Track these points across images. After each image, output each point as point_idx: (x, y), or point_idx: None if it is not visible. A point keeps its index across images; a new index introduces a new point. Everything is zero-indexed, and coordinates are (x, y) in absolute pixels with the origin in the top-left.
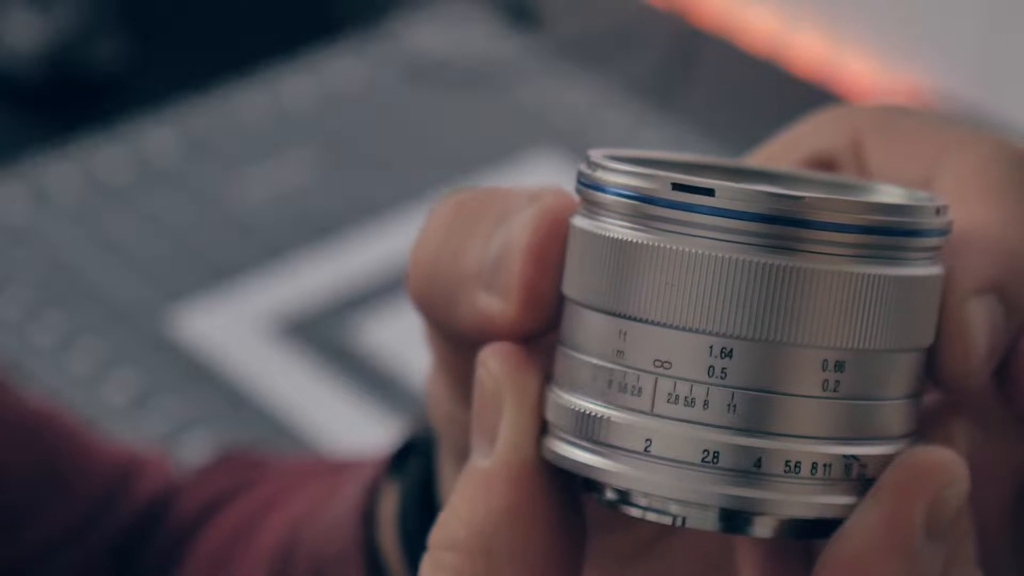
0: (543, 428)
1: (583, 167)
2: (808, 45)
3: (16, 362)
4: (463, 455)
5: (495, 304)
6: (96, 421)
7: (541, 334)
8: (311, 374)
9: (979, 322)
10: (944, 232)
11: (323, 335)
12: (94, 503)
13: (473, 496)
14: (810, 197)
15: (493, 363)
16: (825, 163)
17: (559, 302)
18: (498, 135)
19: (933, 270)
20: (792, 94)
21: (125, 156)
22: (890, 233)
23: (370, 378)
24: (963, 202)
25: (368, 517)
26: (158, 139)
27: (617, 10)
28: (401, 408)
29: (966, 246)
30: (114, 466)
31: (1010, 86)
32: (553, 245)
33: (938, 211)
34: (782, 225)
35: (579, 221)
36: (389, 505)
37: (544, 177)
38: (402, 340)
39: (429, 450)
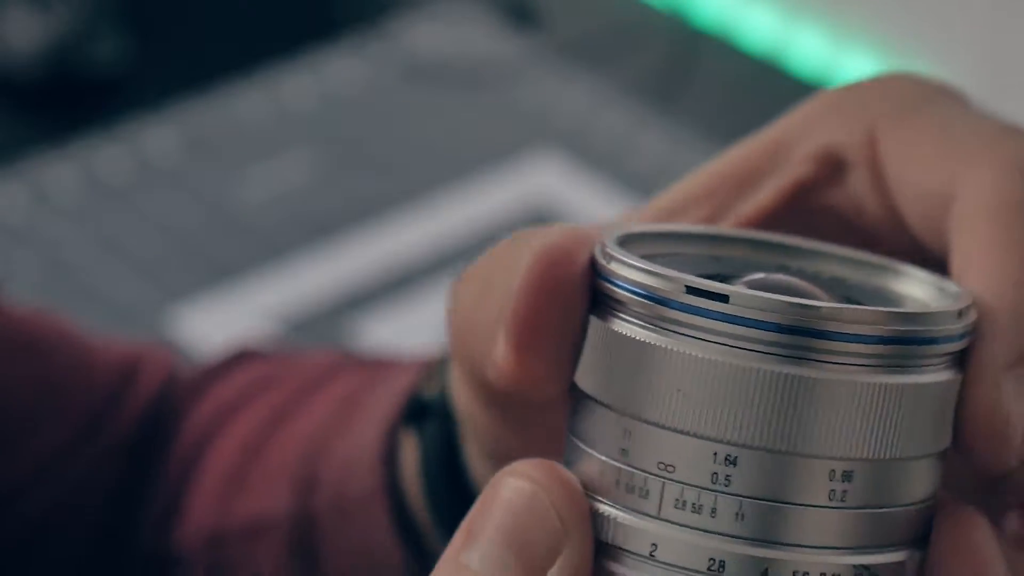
0: None
1: (598, 255)
2: (808, 45)
3: None
4: (483, 442)
5: (500, 350)
6: None
7: (551, 388)
8: None
9: (1013, 406)
10: (964, 335)
11: (323, 335)
12: (95, 409)
13: None
14: (826, 307)
15: (542, 480)
16: (835, 162)
17: (574, 352)
18: (498, 135)
19: (948, 375)
20: (792, 94)
21: (125, 156)
22: (907, 343)
23: None
24: (977, 245)
25: (389, 461)
26: (158, 139)
27: (617, 10)
28: None
29: (990, 311)
30: (115, 368)
31: (1010, 86)
32: (548, 287)
33: (960, 314)
34: (795, 335)
35: (594, 312)
36: (410, 456)
37: (544, 177)
38: (402, 340)
39: (445, 408)
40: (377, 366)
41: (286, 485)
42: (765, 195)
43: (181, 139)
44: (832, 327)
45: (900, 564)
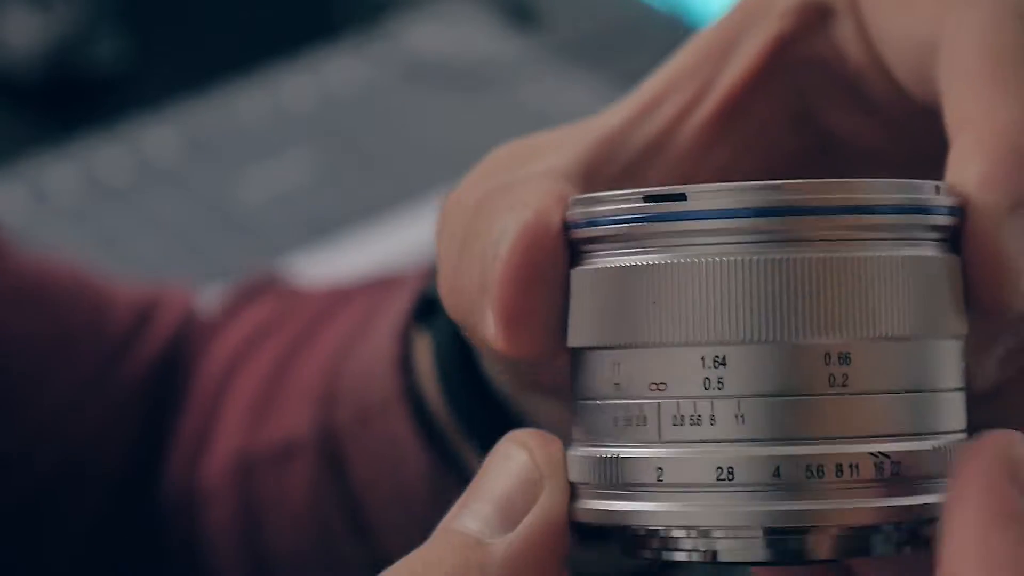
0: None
1: (567, 212)
2: None
3: None
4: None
5: (490, 329)
6: None
7: (544, 359)
8: None
9: (1013, 247)
10: (951, 212)
11: None
12: (105, 358)
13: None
14: (789, 184)
15: (531, 444)
16: (818, 9)
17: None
18: (498, 135)
19: (939, 252)
20: None
21: (125, 156)
22: (881, 212)
23: None
24: (971, 89)
25: (404, 365)
26: (158, 139)
27: (617, 10)
28: None
29: (990, 153)
30: (129, 313)
31: None
32: (530, 268)
33: (938, 188)
34: (758, 217)
35: (572, 266)
36: (424, 354)
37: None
38: None
39: None
40: (390, 283)
41: (309, 405)
42: (746, 59)
43: (181, 139)
44: (798, 202)
45: (924, 454)
